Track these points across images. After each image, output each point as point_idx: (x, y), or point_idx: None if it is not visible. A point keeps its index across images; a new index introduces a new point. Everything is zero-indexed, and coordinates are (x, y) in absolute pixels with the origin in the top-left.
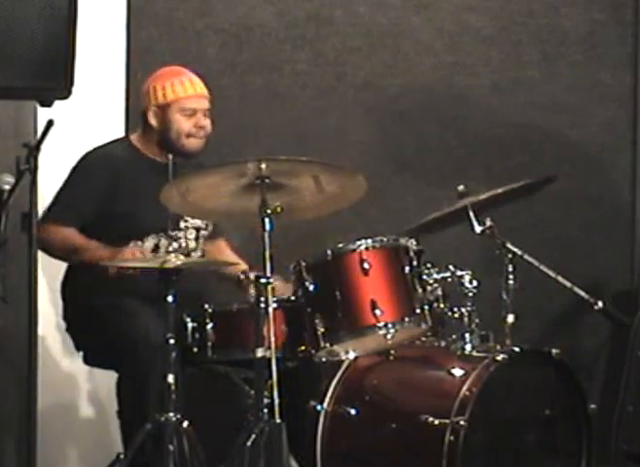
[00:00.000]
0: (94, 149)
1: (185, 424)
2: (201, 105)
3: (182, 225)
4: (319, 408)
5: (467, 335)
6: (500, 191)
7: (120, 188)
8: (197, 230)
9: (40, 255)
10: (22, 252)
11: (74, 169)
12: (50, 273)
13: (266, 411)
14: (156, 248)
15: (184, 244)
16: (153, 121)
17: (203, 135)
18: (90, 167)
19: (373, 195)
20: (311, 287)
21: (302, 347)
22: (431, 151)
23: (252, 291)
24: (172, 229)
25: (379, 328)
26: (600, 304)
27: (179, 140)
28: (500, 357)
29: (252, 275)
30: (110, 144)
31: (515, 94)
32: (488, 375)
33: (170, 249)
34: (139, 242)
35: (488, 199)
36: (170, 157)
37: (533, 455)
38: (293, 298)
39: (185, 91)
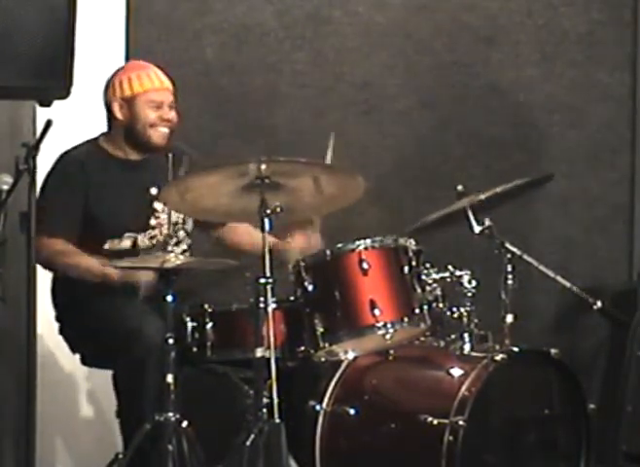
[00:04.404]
0: (64, 153)
1: (184, 424)
2: (167, 98)
3: (153, 222)
4: (318, 408)
5: (466, 335)
6: (499, 190)
7: (91, 189)
8: (175, 224)
9: None
10: (21, 252)
11: (49, 176)
12: (48, 273)
13: (265, 410)
14: (134, 245)
15: (161, 240)
16: (119, 114)
17: (169, 127)
18: (65, 171)
19: (371, 194)
20: (310, 287)
21: (302, 347)
22: (430, 151)
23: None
24: (146, 227)
25: (378, 328)
26: (599, 303)
27: (145, 132)
28: (499, 357)
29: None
30: (79, 146)
31: (513, 94)
32: (487, 375)
33: (149, 246)
34: (115, 240)
35: (487, 199)
36: (170, 155)
37: (532, 455)
38: (292, 298)
39: (152, 84)
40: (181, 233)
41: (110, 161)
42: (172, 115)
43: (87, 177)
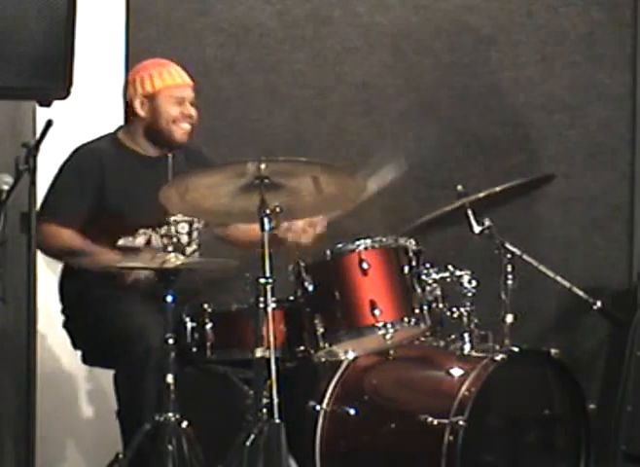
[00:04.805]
0: (82, 145)
1: (184, 424)
2: (188, 94)
3: (171, 219)
4: (318, 408)
5: (466, 335)
6: (498, 189)
7: (107, 183)
8: (190, 223)
9: (39, 255)
10: (21, 252)
11: (64, 166)
12: (49, 273)
13: (265, 411)
14: (148, 244)
15: (175, 240)
16: (140, 110)
17: (190, 123)
18: (80, 164)
19: (371, 195)
20: (310, 287)
21: (302, 347)
22: (430, 151)
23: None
24: (162, 224)
25: (378, 328)
26: (599, 303)
27: (168, 128)
28: (499, 357)
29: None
30: (97, 140)
31: (513, 94)
32: (487, 375)
33: (162, 244)
34: (130, 238)
35: (486, 198)
36: (170, 155)
37: (532, 455)
38: (292, 298)
39: (173, 80)
40: (194, 233)
41: (128, 156)
42: (193, 111)
43: (102, 172)
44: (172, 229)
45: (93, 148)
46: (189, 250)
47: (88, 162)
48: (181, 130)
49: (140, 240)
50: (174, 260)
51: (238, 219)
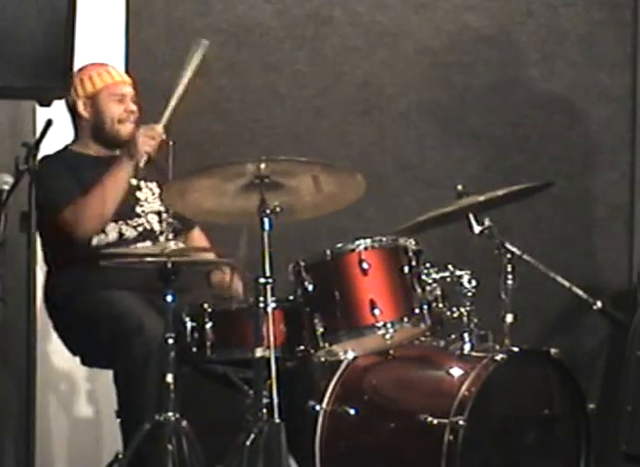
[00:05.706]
0: (45, 157)
1: (184, 424)
2: (129, 91)
3: (138, 210)
4: (318, 408)
5: (466, 334)
6: (500, 193)
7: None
8: (159, 213)
9: (39, 255)
10: (21, 252)
11: (41, 172)
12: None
13: (265, 410)
14: (120, 236)
15: (148, 227)
16: (84, 112)
17: (134, 120)
18: (52, 167)
19: (371, 194)
20: (310, 287)
21: (301, 347)
22: (430, 150)
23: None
24: (131, 216)
25: (378, 328)
26: (599, 303)
27: (113, 127)
28: (499, 357)
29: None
30: (55, 154)
31: (513, 94)
32: (487, 374)
33: (135, 234)
34: (102, 235)
35: (486, 202)
36: (170, 157)
37: (532, 455)
38: (292, 297)
39: (112, 78)
40: (164, 224)
41: (83, 160)
42: (135, 108)
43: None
44: (142, 219)
45: (55, 157)
46: (162, 239)
47: (60, 164)
48: (126, 130)
49: (113, 235)
50: (174, 246)
51: (239, 219)
